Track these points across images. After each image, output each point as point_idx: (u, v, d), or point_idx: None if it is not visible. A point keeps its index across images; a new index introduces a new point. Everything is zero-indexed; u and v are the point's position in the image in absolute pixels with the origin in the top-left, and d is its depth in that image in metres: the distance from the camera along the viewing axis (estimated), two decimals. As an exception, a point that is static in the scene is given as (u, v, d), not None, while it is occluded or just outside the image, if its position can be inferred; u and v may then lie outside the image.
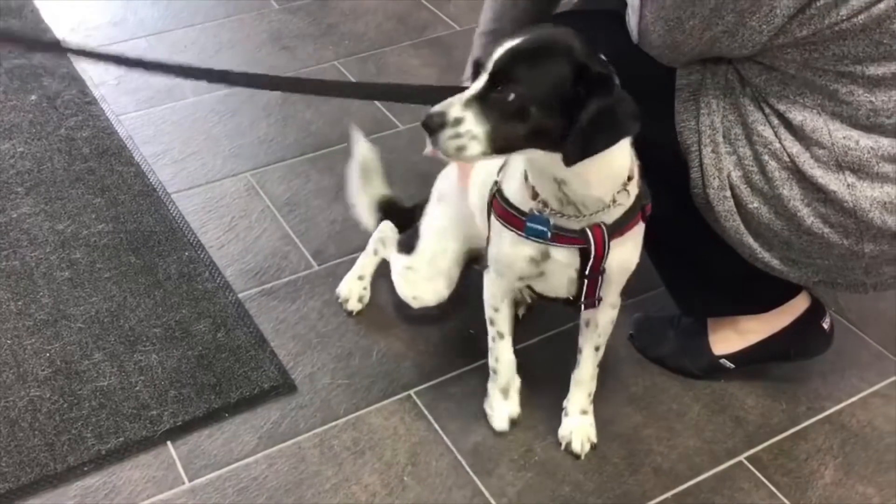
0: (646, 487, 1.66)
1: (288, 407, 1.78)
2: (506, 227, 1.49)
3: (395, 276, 1.87)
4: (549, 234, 1.44)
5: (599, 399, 1.75)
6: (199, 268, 2.06)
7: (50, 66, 2.65)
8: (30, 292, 1.98)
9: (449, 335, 1.93)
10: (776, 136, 1.47)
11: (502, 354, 1.70)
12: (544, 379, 1.81)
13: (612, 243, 1.45)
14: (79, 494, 1.63)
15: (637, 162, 1.44)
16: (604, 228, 1.44)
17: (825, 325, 1.79)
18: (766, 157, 1.48)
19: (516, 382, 1.75)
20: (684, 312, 1.85)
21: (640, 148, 1.43)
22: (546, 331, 1.93)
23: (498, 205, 1.50)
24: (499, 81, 1.26)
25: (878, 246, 1.50)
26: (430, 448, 1.72)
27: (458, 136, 1.25)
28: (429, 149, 1.31)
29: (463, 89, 1.29)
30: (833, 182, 1.45)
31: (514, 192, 1.47)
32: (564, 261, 1.48)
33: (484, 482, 1.66)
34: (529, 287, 1.61)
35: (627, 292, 1.64)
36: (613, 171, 1.39)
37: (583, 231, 1.44)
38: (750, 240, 1.56)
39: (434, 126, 1.26)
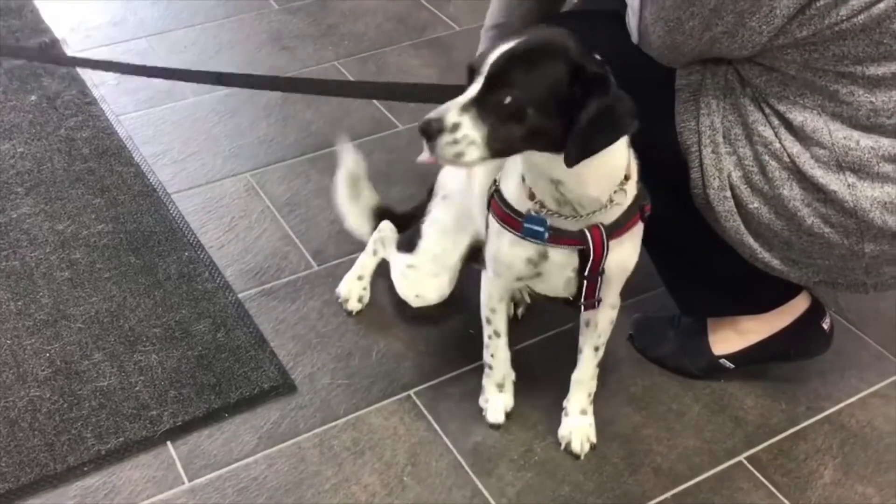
0: (645, 487, 1.66)
1: (288, 407, 1.78)
2: (504, 227, 1.49)
3: (396, 276, 1.87)
4: (546, 235, 1.44)
5: (599, 399, 1.75)
6: (198, 268, 2.06)
7: (50, 67, 2.65)
8: (30, 292, 1.98)
9: (448, 335, 1.94)
10: (776, 136, 1.47)
11: (498, 351, 1.71)
12: (544, 379, 1.81)
13: (610, 244, 1.45)
14: (79, 494, 1.63)
15: (636, 162, 1.44)
16: (602, 229, 1.44)
17: (825, 326, 1.79)
18: (767, 158, 1.48)
19: (511, 376, 1.75)
20: (684, 312, 1.85)
21: (640, 148, 1.43)
22: (546, 331, 1.94)
23: (496, 206, 1.50)
24: (495, 85, 1.25)
25: (878, 246, 1.50)
26: (429, 448, 1.72)
27: (455, 142, 1.25)
28: (424, 155, 1.31)
29: (461, 87, 1.29)
30: (833, 182, 1.45)
31: (512, 192, 1.47)
32: (562, 261, 1.48)
33: (483, 482, 1.66)
34: (529, 286, 1.62)
35: (627, 292, 1.64)
36: (610, 170, 1.39)
37: (581, 232, 1.44)
38: (750, 240, 1.56)
39: (432, 132, 1.25)
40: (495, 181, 1.52)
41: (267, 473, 1.67)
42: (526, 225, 1.45)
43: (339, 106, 2.55)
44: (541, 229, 1.44)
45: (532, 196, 1.43)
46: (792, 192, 1.48)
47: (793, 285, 1.67)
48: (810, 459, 1.72)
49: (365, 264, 1.98)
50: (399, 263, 1.86)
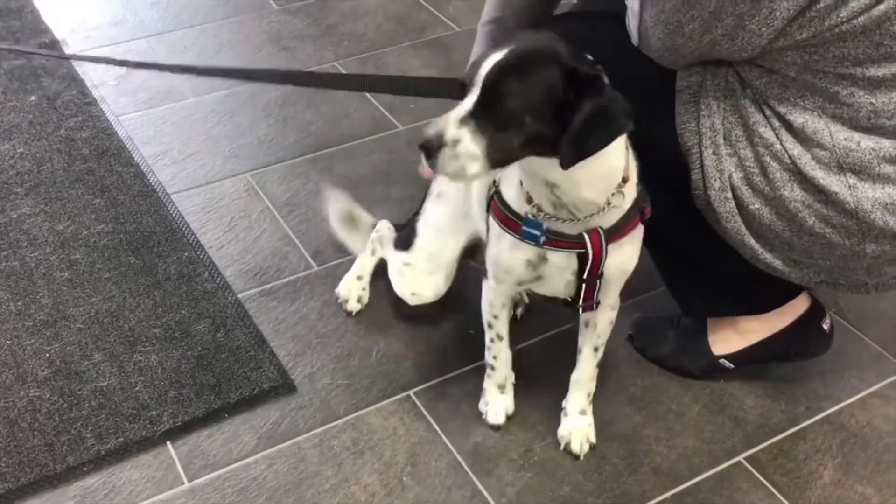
0: (645, 487, 1.66)
1: (287, 407, 1.78)
2: (504, 230, 1.49)
3: (393, 274, 1.87)
4: (542, 239, 1.44)
5: (599, 399, 1.75)
6: (198, 268, 2.06)
7: (50, 67, 2.65)
8: (29, 293, 1.98)
9: (448, 336, 1.94)
10: (777, 137, 1.47)
11: (500, 353, 1.71)
12: (544, 379, 1.81)
13: (610, 247, 1.45)
14: (78, 495, 1.63)
15: (636, 164, 1.44)
16: (601, 233, 1.44)
17: (825, 326, 1.80)
18: (768, 159, 1.48)
19: (511, 377, 1.75)
20: (685, 312, 1.85)
21: (640, 149, 1.43)
22: (546, 331, 1.94)
23: (497, 208, 1.50)
24: (490, 96, 1.25)
25: (879, 246, 1.50)
26: (429, 448, 1.72)
27: (456, 157, 1.25)
28: (425, 169, 1.30)
29: (456, 80, 1.28)
30: (835, 183, 1.45)
31: (511, 195, 1.47)
32: (561, 263, 1.48)
33: (483, 482, 1.66)
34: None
35: (627, 292, 1.64)
36: (606, 172, 1.38)
37: (579, 235, 1.44)
38: (752, 241, 1.56)
39: (433, 149, 1.25)
40: (495, 182, 1.52)
41: (267, 473, 1.67)
42: (524, 228, 1.45)
43: (338, 106, 2.55)
44: (537, 233, 1.44)
45: (529, 199, 1.43)
46: (793, 194, 1.48)
47: (793, 286, 1.67)
48: (810, 459, 1.72)
49: (364, 264, 1.99)
50: (396, 261, 1.86)
